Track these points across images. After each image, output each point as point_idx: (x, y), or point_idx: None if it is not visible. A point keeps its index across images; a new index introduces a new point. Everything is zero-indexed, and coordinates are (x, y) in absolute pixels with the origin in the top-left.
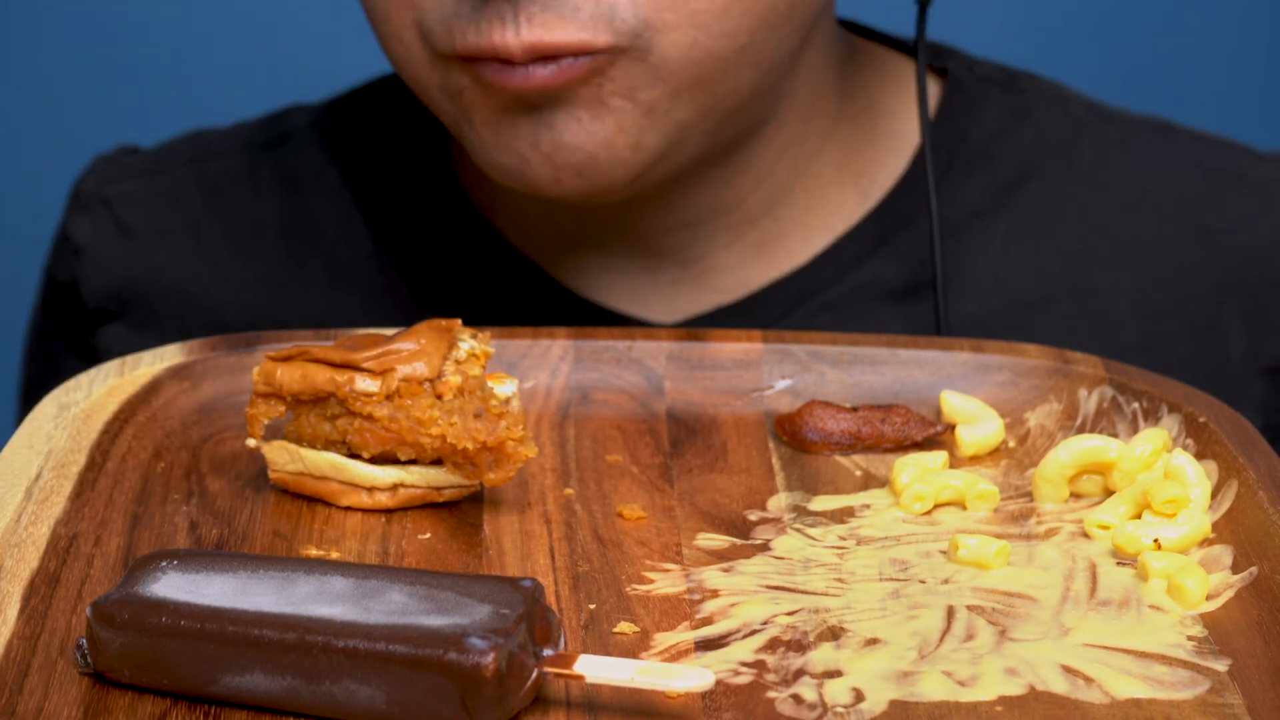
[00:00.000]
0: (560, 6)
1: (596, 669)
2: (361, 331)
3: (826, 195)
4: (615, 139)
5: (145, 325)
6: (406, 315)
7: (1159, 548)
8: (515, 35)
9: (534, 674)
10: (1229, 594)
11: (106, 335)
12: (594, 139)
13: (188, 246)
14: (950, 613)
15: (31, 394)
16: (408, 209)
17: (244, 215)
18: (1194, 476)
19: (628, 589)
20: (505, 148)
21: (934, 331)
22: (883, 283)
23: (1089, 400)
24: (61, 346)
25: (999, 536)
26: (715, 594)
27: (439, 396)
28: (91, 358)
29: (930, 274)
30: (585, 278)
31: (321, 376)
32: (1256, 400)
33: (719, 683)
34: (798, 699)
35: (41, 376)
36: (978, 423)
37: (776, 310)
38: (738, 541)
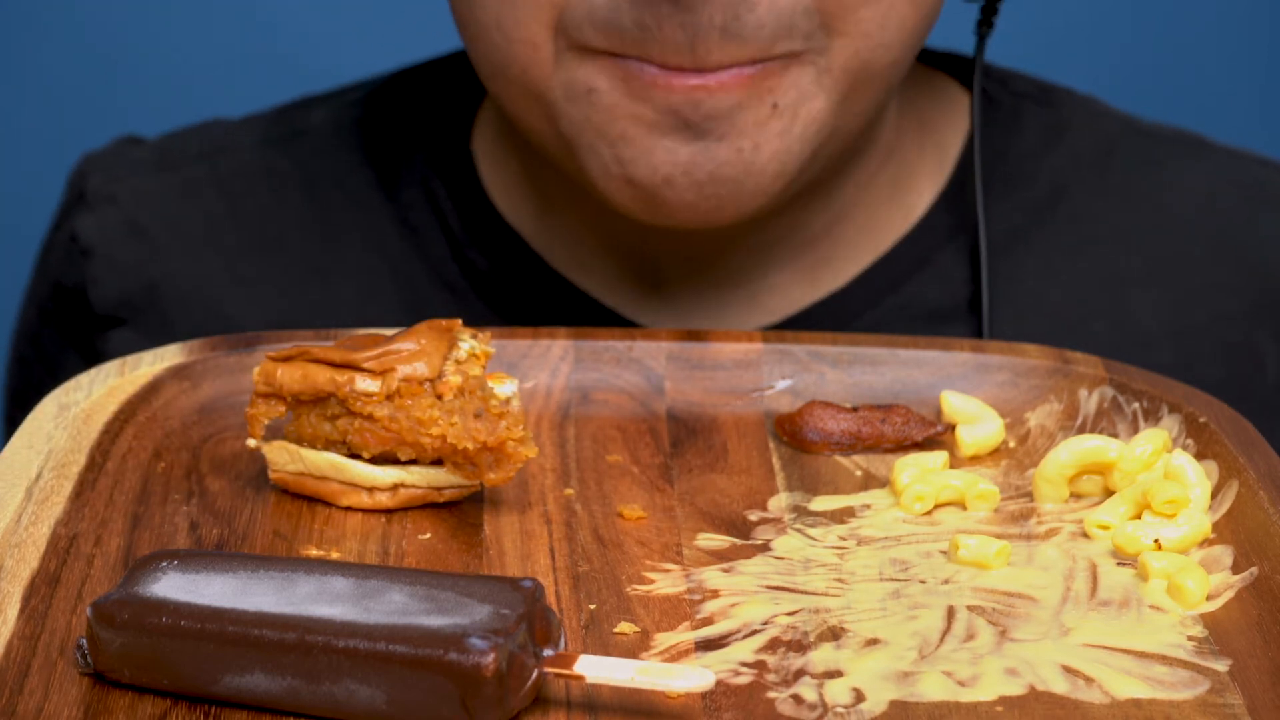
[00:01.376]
0: (741, 29)
1: (596, 669)
2: (362, 331)
3: (878, 217)
4: (769, 167)
5: (158, 332)
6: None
7: (1159, 548)
8: (690, 56)
9: (534, 674)
10: (1229, 594)
11: (114, 341)
12: (750, 170)
13: (206, 249)
14: (950, 613)
15: (26, 402)
16: (434, 219)
17: (263, 217)
18: (1194, 477)
19: (628, 589)
20: (651, 169)
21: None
22: (921, 304)
23: (1089, 400)
24: (64, 352)
25: (999, 536)
26: (715, 594)
27: (439, 396)
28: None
29: (969, 295)
30: (624, 297)
31: (322, 376)
32: None
33: (719, 683)
34: (798, 699)
35: (41, 383)
36: (978, 423)
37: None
38: (738, 542)
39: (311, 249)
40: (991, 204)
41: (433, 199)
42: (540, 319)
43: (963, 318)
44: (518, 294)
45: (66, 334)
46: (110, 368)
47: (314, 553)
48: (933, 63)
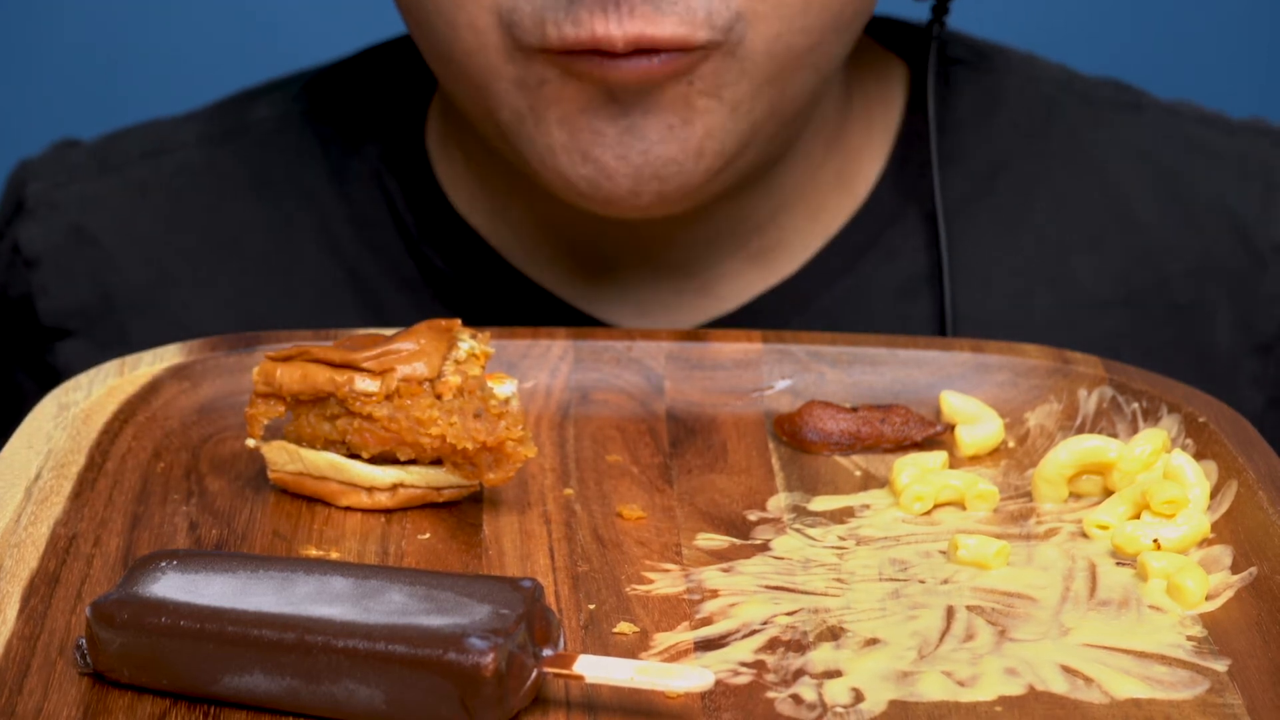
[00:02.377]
0: (661, 0)
1: (596, 669)
2: (361, 331)
3: (826, 202)
4: (705, 144)
5: (113, 341)
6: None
7: (1159, 548)
8: (619, 26)
9: (534, 674)
10: (1229, 594)
11: (63, 355)
12: (685, 146)
13: (160, 252)
14: (950, 613)
15: None
16: (389, 215)
17: (213, 217)
18: (1193, 477)
19: (627, 589)
20: (585, 156)
21: (930, 329)
22: (874, 283)
23: (1089, 400)
24: (10, 368)
25: (999, 536)
26: (715, 594)
27: (439, 396)
28: (49, 378)
29: (921, 271)
30: (579, 290)
31: (321, 376)
32: (1252, 377)
33: (719, 683)
34: (797, 699)
35: None
36: (977, 423)
37: (775, 319)
38: (737, 542)
39: (265, 249)
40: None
41: (386, 194)
42: (498, 316)
43: (917, 295)
44: (475, 291)
45: (13, 348)
46: (109, 368)
47: (314, 553)
48: (875, 33)
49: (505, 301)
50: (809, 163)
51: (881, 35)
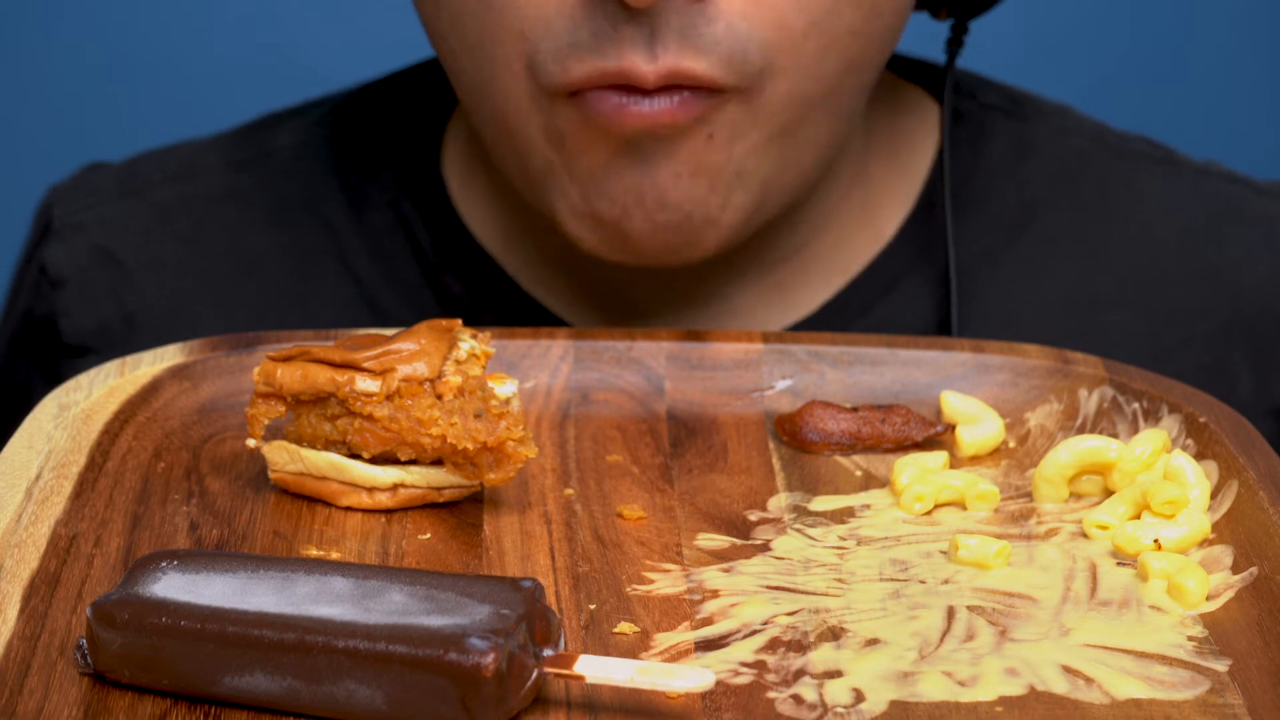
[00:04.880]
0: (699, 39)
1: (596, 669)
2: (362, 331)
3: (847, 239)
4: (708, 198)
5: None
6: None
7: (1159, 548)
8: (650, 60)
9: (534, 674)
10: (1229, 594)
11: (84, 370)
12: (690, 197)
13: (181, 276)
14: (950, 613)
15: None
16: (406, 243)
17: (235, 242)
18: (1193, 477)
19: (628, 589)
20: (605, 196)
21: None
22: (890, 327)
23: (1089, 400)
24: (35, 383)
25: (999, 537)
26: (715, 594)
27: (439, 397)
28: None
29: (938, 318)
30: (596, 321)
31: (322, 376)
32: (1267, 440)
33: (719, 683)
34: (798, 699)
35: (13, 416)
36: (978, 423)
37: None
38: (738, 542)
39: (283, 276)
40: (960, 224)
41: (404, 221)
42: None
43: (936, 335)
44: (491, 317)
45: (37, 365)
46: (110, 368)
47: (314, 553)
48: (904, 72)
49: (510, 317)
50: (833, 199)
51: (917, 77)
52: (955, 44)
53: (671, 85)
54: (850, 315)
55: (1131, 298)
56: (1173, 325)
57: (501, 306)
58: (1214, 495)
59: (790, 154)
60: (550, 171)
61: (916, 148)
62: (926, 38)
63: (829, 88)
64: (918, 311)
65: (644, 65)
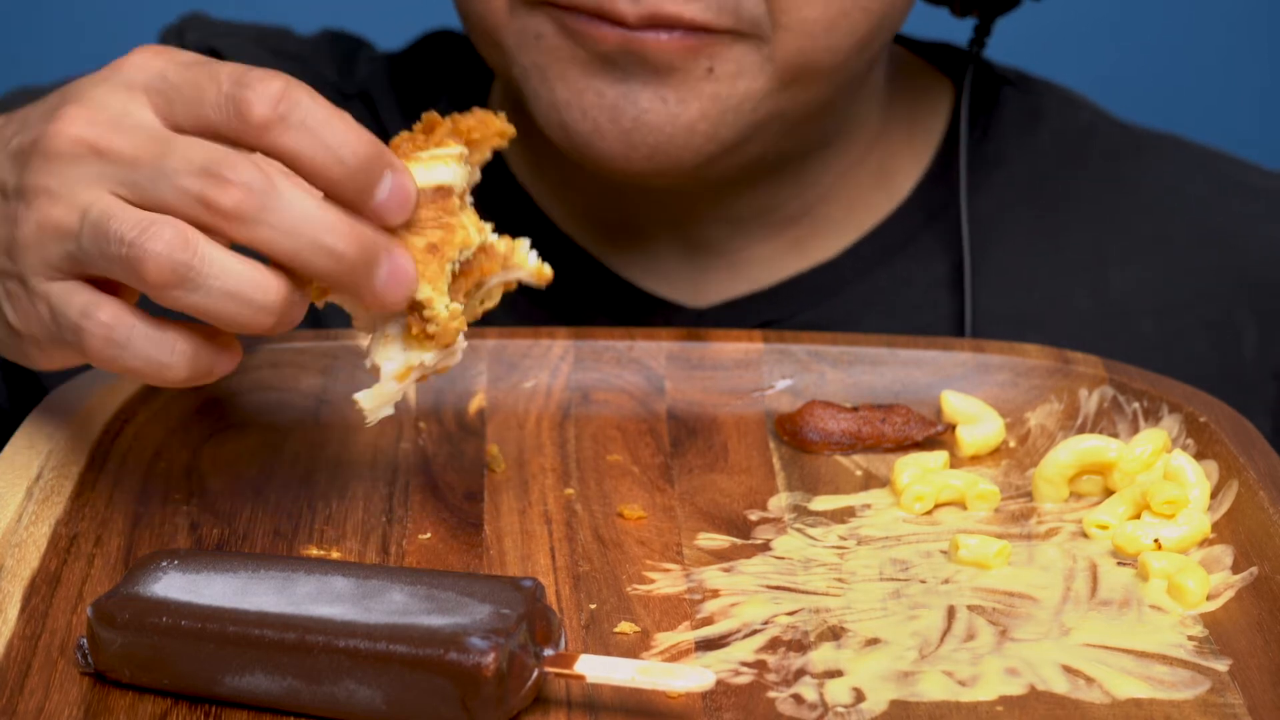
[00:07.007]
0: None
1: (597, 669)
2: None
3: (864, 199)
4: (697, 125)
5: None
6: None
7: (1159, 548)
8: (634, 1)
9: (534, 674)
10: (1229, 594)
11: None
12: (675, 122)
13: None
14: (951, 613)
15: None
16: None
17: None
18: (1193, 477)
19: (628, 589)
20: (581, 112)
21: (962, 324)
22: (911, 277)
23: (1089, 400)
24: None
25: (999, 536)
26: (716, 594)
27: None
28: None
29: (953, 273)
30: (620, 258)
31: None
32: (1268, 402)
33: (719, 683)
34: (798, 699)
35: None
36: (978, 423)
37: (807, 300)
38: (738, 541)
39: None
40: (973, 185)
41: None
42: (567, 290)
43: (951, 292)
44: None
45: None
46: None
47: (314, 552)
48: (921, 54)
49: (545, 257)
50: (847, 160)
51: (933, 58)
52: (978, 44)
53: (658, 25)
54: (867, 265)
55: (1140, 257)
56: (1181, 282)
57: (526, 232)
58: (1214, 495)
59: (787, 109)
60: (525, 76)
61: (932, 117)
62: (942, 35)
63: (840, 60)
64: (930, 269)
65: (625, 4)
